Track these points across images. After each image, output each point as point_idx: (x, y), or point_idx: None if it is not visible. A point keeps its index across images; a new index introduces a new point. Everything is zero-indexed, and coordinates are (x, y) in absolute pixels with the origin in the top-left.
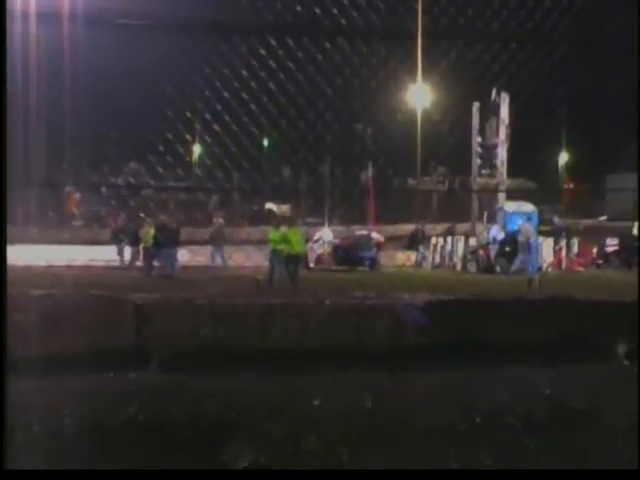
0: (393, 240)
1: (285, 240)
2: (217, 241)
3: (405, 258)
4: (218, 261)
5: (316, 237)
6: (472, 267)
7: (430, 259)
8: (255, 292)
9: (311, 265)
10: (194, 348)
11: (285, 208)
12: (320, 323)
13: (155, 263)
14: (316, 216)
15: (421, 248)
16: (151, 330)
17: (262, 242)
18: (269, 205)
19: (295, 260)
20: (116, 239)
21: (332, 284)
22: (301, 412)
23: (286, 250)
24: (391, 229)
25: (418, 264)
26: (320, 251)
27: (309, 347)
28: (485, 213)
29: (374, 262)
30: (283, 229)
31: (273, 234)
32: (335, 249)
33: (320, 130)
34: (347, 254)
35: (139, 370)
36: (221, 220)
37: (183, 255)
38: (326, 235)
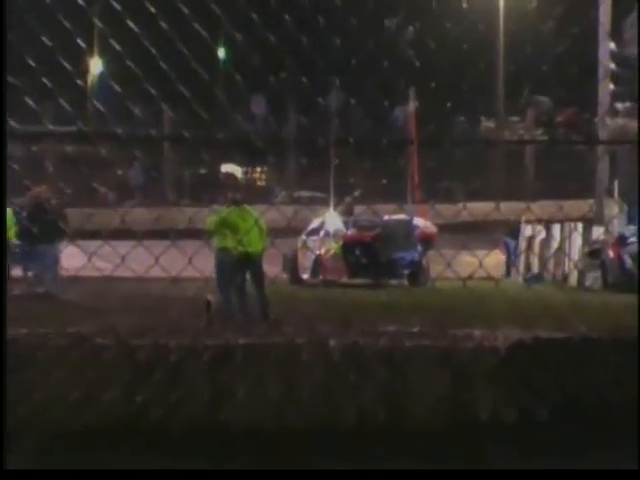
0: (452, 230)
1: (232, 228)
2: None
3: (475, 263)
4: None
5: (313, 226)
6: (594, 279)
7: (521, 264)
8: (199, 326)
9: (304, 276)
10: (69, 434)
11: (257, 172)
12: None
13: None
14: (313, 187)
15: (510, 244)
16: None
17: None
18: (228, 167)
19: (252, 266)
20: None
21: (333, 315)
22: None
23: (235, 247)
24: (450, 211)
25: (505, 274)
26: (321, 251)
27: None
28: (619, 183)
29: (418, 271)
30: (232, 210)
31: (214, 219)
32: (347, 247)
33: (322, 29)
34: (369, 255)
35: None
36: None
37: (74, 257)
38: (331, 222)
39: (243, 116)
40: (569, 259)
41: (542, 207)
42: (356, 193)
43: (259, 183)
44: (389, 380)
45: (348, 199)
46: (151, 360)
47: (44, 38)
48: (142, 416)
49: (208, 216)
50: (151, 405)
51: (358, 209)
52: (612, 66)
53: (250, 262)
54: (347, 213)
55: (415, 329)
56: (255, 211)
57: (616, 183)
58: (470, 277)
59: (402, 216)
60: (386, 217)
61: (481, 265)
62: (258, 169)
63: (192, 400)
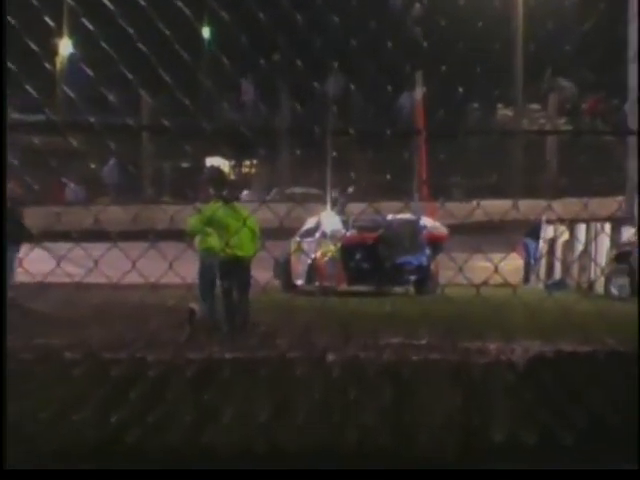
0: (464, 231)
1: (219, 228)
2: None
3: (489, 268)
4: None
5: (308, 226)
6: (620, 288)
7: (542, 269)
8: (180, 338)
9: (298, 283)
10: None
11: (247, 167)
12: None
13: None
14: (308, 183)
15: (529, 247)
16: None
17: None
18: (214, 161)
19: (240, 271)
20: None
21: (330, 326)
22: None
23: (223, 249)
24: (462, 210)
25: (524, 280)
26: (317, 254)
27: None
28: None
29: (426, 276)
30: (219, 208)
31: (197, 218)
32: (346, 250)
33: (318, 5)
34: (370, 259)
35: None
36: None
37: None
38: (328, 222)
39: (231, 103)
40: (595, 264)
41: (565, 205)
42: (350, 189)
43: (247, 178)
44: (394, 399)
45: (337, 195)
46: (127, 376)
47: (7, 16)
48: (117, 439)
49: (190, 215)
50: (127, 427)
51: (357, 208)
52: None
53: (239, 267)
54: (338, 213)
55: (423, 342)
56: (246, 209)
57: None
58: (484, 283)
59: (408, 215)
60: (390, 216)
61: (497, 270)
62: (247, 162)
63: (173, 422)
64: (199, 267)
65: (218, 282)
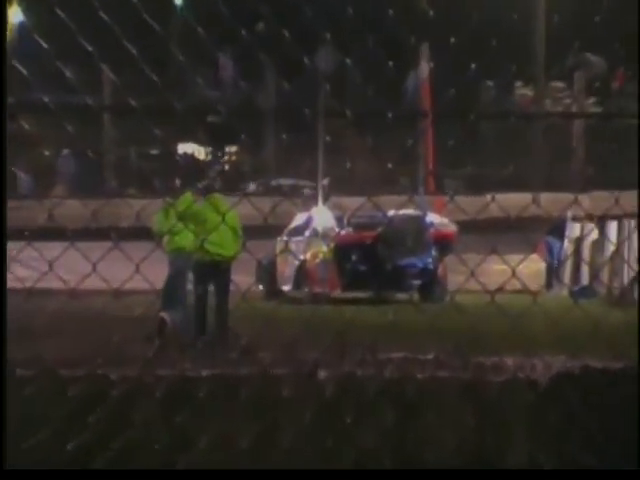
0: (477, 229)
1: (196, 223)
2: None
3: (506, 272)
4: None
5: (297, 223)
6: None
7: (566, 273)
8: (149, 352)
9: (285, 288)
10: None
11: (228, 153)
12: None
13: None
14: (297, 173)
15: (553, 247)
16: None
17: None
18: (188, 147)
19: (219, 274)
20: None
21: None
22: None
23: (198, 249)
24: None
25: (546, 285)
26: (307, 256)
27: None
28: None
29: (433, 281)
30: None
31: (164, 214)
32: (341, 250)
33: None
34: (369, 261)
35: None
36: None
37: None
38: (320, 218)
39: (207, 80)
40: (629, 267)
41: (594, 199)
42: (324, 182)
43: (227, 167)
44: (395, 423)
45: (307, 191)
46: (87, 396)
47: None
48: (75, 468)
49: (158, 211)
50: (86, 455)
51: (354, 202)
52: None
53: (218, 269)
54: (304, 210)
55: (429, 357)
56: (225, 203)
57: None
58: (500, 290)
59: (412, 211)
60: (392, 212)
61: (515, 274)
62: (227, 149)
63: (140, 449)
64: (168, 271)
65: (190, 287)
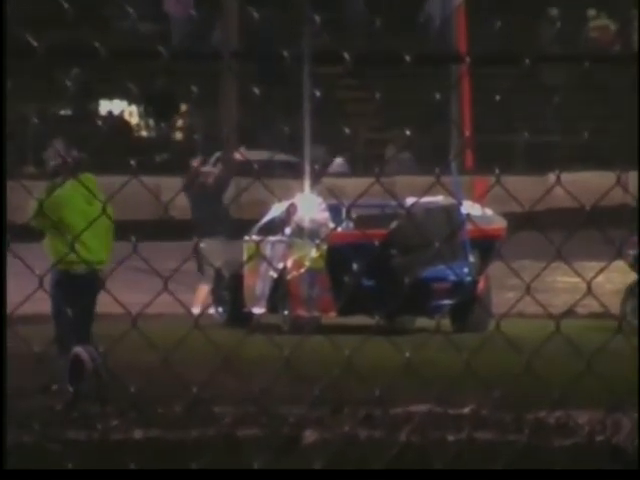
0: (535, 225)
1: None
2: None
3: (579, 287)
4: None
5: (273, 215)
6: None
7: None
8: (57, 406)
9: (255, 310)
10: None
11: (172, 115)
12: None
13: None
14: (270, 144)
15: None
16: None
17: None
18: (114, 105)
19: (84, 292)
20: None
21: (307, 384)
22: None
23: (72, 255)
24: (530, 188)
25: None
26: (287, 263)
27: None
28: None
29: (470, 301)
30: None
31: (39, 201)
32: (337, 256)
33: None
34: (377, 272)
35: None
36: None
37: None
38: (306, 210)
39: (142, 10)
40: None
41: None
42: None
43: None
44: None
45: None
46: None
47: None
48: None
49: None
50: None
51: (355, 185)
52: None
53: (84, 285)
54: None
55: (465, 410)
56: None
57: None
58: (569, 313)
59: (441, 198)
60: (410, 200)
61: (590, 290)
62: (171, 108)
63: None
64: (51, 283)
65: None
